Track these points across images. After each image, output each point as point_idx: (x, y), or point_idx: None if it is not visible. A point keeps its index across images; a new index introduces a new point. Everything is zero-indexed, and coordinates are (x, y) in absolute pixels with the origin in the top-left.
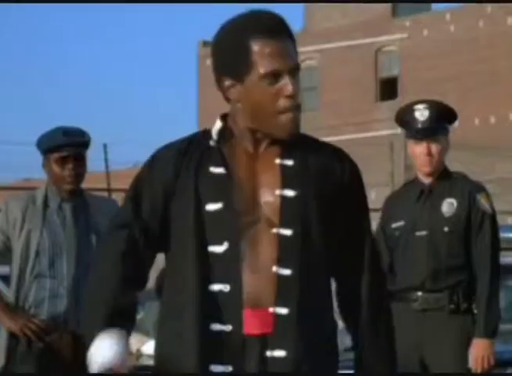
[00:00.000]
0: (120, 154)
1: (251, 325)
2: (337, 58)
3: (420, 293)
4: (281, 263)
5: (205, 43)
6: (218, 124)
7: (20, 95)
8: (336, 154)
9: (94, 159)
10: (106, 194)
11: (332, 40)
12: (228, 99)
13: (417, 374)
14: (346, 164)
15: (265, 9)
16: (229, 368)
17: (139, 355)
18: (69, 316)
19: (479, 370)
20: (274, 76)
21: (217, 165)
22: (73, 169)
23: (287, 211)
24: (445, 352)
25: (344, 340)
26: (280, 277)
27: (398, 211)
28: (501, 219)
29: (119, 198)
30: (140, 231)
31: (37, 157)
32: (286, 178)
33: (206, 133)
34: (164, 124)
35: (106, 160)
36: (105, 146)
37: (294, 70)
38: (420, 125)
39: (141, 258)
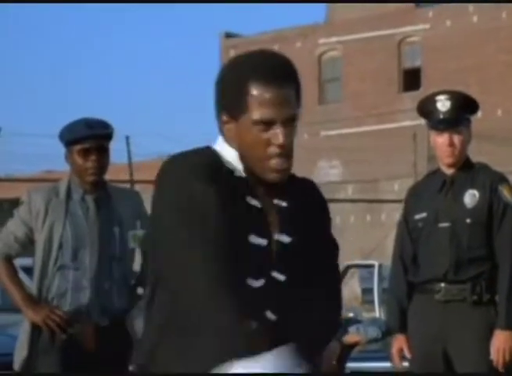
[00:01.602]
0: (142, 146)
1: None
2: (360, 49)
3: (442, 284)
4: (274, 313)
5: (227, 34)
6: (233, 152)
7: (42, 88)
8: (315, 190)
9: (116, 150)
10: (128, 186)
11: (355, 31)
12: (223, 135)
13: (417, 374)
14: (324, 202)
15: (275, 51)
16: None
17: None
18: (92, 308)
19: (500, 362)
20: (266, 124)
21: (252, 196)
22: (96, 161)
23: (281, 258)
24: (468, 344)
25: (368, 331)
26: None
27: (421, 203)
28: None
29: (142, 190)
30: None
31: (59, 149)
32: (283, 221)
33: (218, 157)
34: (186, 116)
35: (128, 151)
36: (127, 137)
37: (289, 121)
38: (441, 116)
39: None
